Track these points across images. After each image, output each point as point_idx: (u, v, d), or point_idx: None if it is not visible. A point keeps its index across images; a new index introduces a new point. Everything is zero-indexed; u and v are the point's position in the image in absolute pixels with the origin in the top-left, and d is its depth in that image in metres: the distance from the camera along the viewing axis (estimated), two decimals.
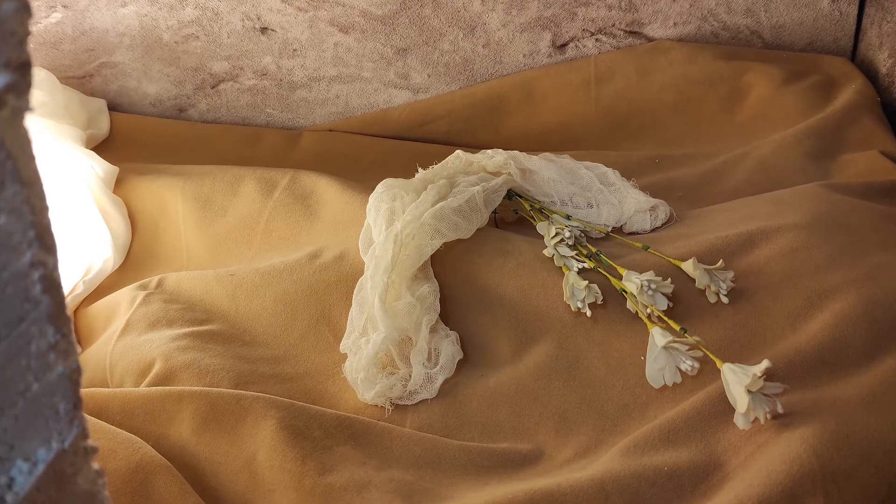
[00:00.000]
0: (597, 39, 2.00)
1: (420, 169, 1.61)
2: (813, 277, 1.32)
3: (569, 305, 1.37)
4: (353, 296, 1.44)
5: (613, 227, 1.55)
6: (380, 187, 1.56)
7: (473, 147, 1.82)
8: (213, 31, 2.01)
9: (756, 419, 1.11)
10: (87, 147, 1.86)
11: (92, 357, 1.48)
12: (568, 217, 1.53)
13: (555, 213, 1.54)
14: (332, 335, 1.46)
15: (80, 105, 1.98)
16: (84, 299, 1.68)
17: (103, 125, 2.02)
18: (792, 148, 1.72)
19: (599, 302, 1.35)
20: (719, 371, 1.16)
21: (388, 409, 1.32)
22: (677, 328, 1.27)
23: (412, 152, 1.97)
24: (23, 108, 0.56)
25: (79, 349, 1.56)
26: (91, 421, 1.22)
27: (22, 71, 0.55)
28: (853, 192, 1.53)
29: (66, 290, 1.61)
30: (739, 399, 1.11)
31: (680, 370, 1.23)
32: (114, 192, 1.80)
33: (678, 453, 1.13)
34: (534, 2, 1.95)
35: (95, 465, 0.67)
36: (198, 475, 1.22)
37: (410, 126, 2.06)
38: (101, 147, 1.98)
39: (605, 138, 1.95)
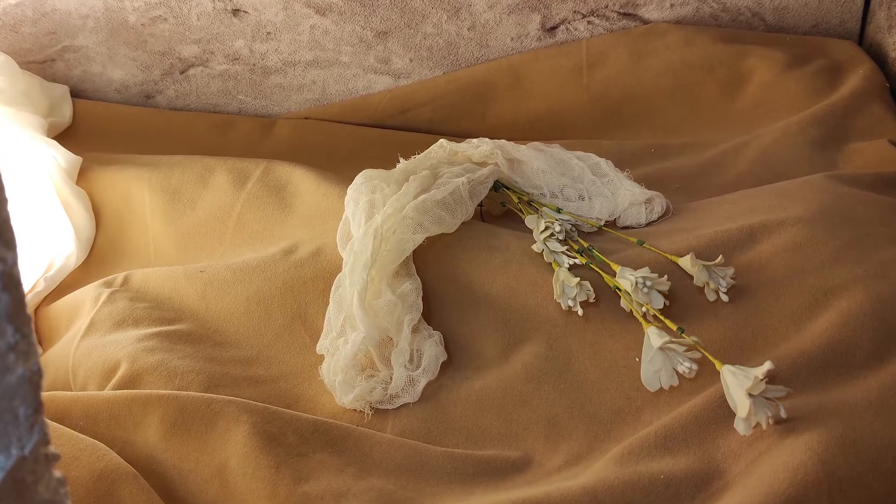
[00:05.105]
0: (589, 22, 2.00)
1: (401, 159, 1.61)
2: (818, 274, 1.32)
3: (559, 304, 1.36)
4: (331, 293, 1.44)
5: (606, 221, 1.55)
6: (359, 178, 1.56)
7: (458, 136, 1.82)
8: (182, 13, 2.00)
9: (758, 424, 1.11)
10: (48, 136, 1.85)
11: (54, 358, 1.48)
12: (558, 210, 1.53)
13: (544, 205, 1.54)
14: (308, 335, 1.45)
15: (41, 91, 1.98)
16: (45, 297, 1.68)
17: (66, 113, 2.02)
18: (796, 137, 1.72)
19: (592, 300, 1.35)
20: (718, 373, 1.16)
21: (368, 414, 1.31)
22: (674, 328, 1.27)
23: (393, 141, 1.97)
24: None
25: (40, 350, 1.56)
26: (53, 426, 1.21)
27: None
28: (860, 184, 1.53)
29: (26, 287, 1.61)
30: (740, 403, 1.11)
31: (677, 372, 1.23)
32: (77, 183, 1.80)
33: (675, 461, 1.13)
34: None
35: (57, 473, 0.66)
36: (166, 483, 1.21)
37: (391, 113, 2.05)
38: (64, 136, 1.97)
39: (598, 126, 1.95)
